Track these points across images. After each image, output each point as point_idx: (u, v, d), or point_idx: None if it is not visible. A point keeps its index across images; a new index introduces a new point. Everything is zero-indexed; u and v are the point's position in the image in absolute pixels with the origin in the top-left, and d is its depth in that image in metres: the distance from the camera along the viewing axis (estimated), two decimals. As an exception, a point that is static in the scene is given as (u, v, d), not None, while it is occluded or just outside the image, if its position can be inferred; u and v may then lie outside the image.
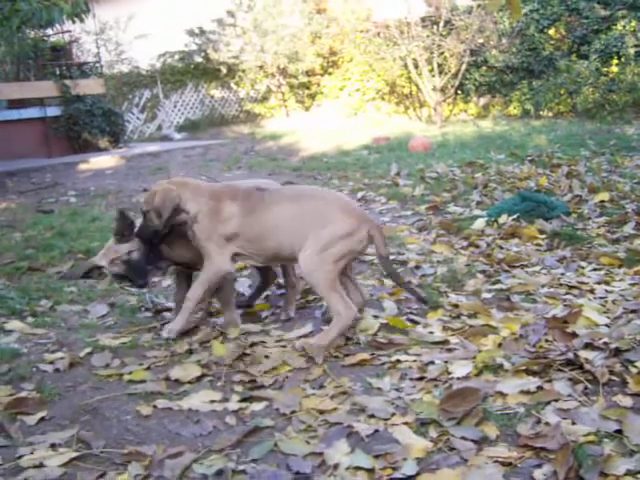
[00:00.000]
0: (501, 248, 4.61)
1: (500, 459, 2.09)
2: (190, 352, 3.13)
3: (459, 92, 15.38)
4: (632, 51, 12.87)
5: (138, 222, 3.34)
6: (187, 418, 2.52)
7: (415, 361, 2.87)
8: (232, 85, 17.71)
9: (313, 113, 17.49)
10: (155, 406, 2.61)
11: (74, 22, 8.37)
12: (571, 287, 3.72)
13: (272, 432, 2.38)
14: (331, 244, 3.05)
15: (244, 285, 4.19)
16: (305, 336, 3.22)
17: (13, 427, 2.46)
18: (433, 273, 4.11)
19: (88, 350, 3.16)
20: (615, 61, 13.24)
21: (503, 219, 5.15)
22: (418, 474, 2.06)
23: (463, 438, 2.22)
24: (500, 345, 2.96)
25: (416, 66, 14.60)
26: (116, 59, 16.99)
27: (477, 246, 4.71)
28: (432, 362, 2.83)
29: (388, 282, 3.98)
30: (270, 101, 18.06)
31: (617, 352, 2.71)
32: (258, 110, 17.94)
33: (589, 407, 2.36)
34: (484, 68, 15.04)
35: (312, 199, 3.19)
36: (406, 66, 15.03)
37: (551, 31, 14.33)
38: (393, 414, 2.42)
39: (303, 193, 3.31)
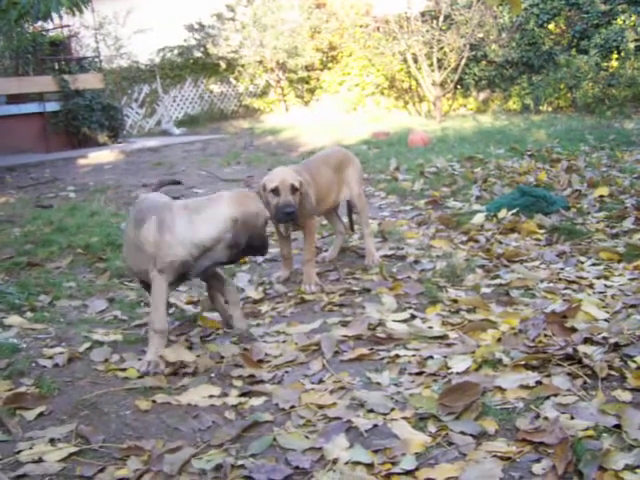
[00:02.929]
0: (500, 243, 4.60)
1: (499, 454, 2.10)
2: (190, 348, 3.13)
3: (458, 87, 15.36)
4: (632, 46, 12.85)
5: None
6: (186, 413, 2.52)
7: (414, 356, 2.87)
8: (231, 80, 17.68)
9: (312, 108, 17.46)
10: (154, 401, 2.61)
11: (74, 14, 8.36)
12: (570, 282, 3.72)
13: (271, 427, 2.38)
14: (360, 176, 4.48)
15: (244, 280, 4.19)
16: (306, 331, 3.23)
17: (12, 422, 2.46)
18: (432, 268, 4.11)
19: (87, 345, 3.16)
20: (615, 56, 13.22)
21: (502, 214, 5.14)
22: (417, 469, 2.06)
23: (462, 433, 2.23)
24: (499, 340, 2.96)
25: (415, 61, 14.58)
26: (115, 54, 16.91)
27: (476, 241, 4.70)
28: (431, 357, 2.83)
29: (388, 277, 3.99)
30: (269, 96, 18.03)
31: (616, 347, 2.71)
32: (257, 105, 17.92)
33: (588, 402, 2.36)
34: (484, 63, 15.02)
35: (333, 153, 4.47)
36: (405, 61, 15.01)
37: (551, 26, 14.31)
38: (392, 409, 2.42)
39: (324, 154, 4.49)
